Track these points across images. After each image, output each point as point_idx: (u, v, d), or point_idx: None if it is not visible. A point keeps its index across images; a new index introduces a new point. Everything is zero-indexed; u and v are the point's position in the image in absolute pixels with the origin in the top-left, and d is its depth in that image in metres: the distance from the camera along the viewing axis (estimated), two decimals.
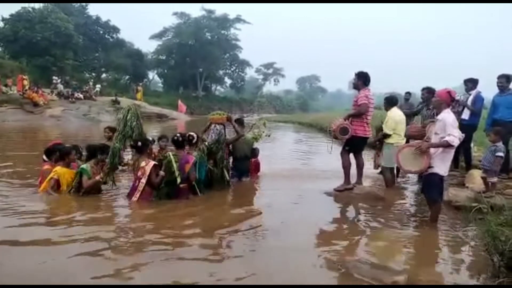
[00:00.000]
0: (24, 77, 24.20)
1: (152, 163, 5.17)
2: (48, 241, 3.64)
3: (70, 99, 24.95)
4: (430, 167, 4.35)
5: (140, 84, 37.77)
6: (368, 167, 6.69)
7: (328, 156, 6.39)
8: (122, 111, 5.71)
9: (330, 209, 5.25)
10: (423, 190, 4.68)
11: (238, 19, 53.11)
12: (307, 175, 7.74)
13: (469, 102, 6.86)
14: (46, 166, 5.52)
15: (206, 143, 5.96)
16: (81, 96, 25.84)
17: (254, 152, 7.15)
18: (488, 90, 7.16)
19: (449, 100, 4.41)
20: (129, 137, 5.43)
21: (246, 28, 54.92)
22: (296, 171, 8.10)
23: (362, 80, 5.87)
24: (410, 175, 7.10)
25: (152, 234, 3.93)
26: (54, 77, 27.90)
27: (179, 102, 35.39)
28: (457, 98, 6.07)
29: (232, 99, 58.38)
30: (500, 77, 6.56)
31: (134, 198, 5.09)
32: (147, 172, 5.07)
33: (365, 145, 6.14)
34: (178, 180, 5.26)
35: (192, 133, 5.91)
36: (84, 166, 5.30)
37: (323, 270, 3.27)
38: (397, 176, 7.23)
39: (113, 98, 27.48)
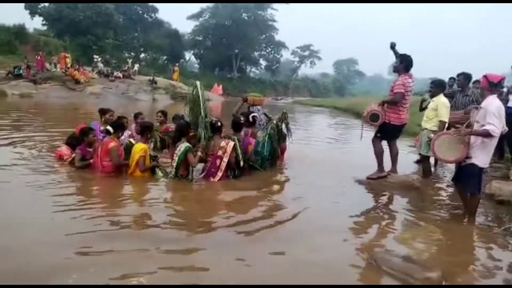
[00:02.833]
0: (67, 55, 25.19)
1: (232, 143, 5.32)
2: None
3: (109, 78, 25.70)
4: (468, 157, 4.05)
5: (177, 64, 38.21)
6: (403, 154, 6.35)
7: (361, 143, 6.14)
8: (194, 87, 5.67)
9: (362, 198, 5.06)
10: (457, 180, 4.36)
11: None
12: (339, 161, 7.53)
13: None
14: (113, 143, 5.16)
15: (275, 122, 6.11)
16: (120, 75, 26.53)
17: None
18: None
19: (488, 86, 3.99)
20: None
21: (283, 9, 53.96)
22: (328, 157, 7.90)
23: (405, 64, 5.49)
24: (449, 165, 6.73)
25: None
26: (95, 56, 28.81)
27: (215, 85, 35.60)
28: (504, 85, 5.60)
29: (267, 81, 58.09)
30: None
31: (217, 178, 5.25)
32: (229, 151, 5.23)
33: (400, 133, 5.82)
34: (241, 163, 5.45)
35: (251, 114, 6.29)
36: (187, 144, 5.15)
37: (352, 261, 3.14)
38: (435, 164, 6.89)
39: (150, 77, 28.04)
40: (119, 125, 5.47)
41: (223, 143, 5.27)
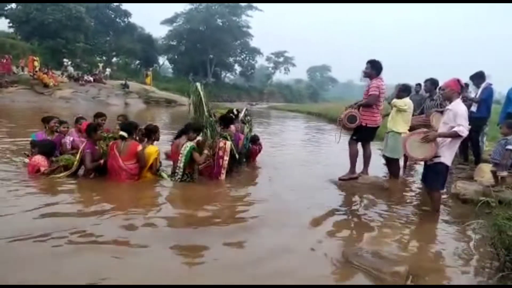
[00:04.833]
0: (34, 58, 24.40)
1: (229, 142, 5.59)
2: None
3: (80, 82, 25.10)
4: (436, 156, 4.23)
5: (150, 69, 37.72)
6: (374, 157, 6.52)
7: (334, 146, 6.27)
8: (195, 89, 5.70)
9: (333, 198, 5.15)
10: (425, 178, 4.57)
11: (250, 6, 52.54)
12: (313, 163, 7.65)
13: (478, 95, 6.70)
14: (140, 146, 5.12)
15: (249, 117, 7.02)
16: (91, 79, 25.99)
17: (254, 139, 7.13)
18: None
19: (459, 88, 4.27)
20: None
21: (257, 16, 54.42)
22: (301, 160, 8.00)
23: (375, 69, 5.67)
24: (417, 166, 6.98)
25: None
26: (64, 60, 28.07)
27: None
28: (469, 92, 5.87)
29: (242, 87, 58.16)
30: None
31: (222, 176, 5.55)
32: (228, 150, 5.53)
33: (374, 135, 5.98)
34: (237, 156, 5.85)
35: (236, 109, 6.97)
36: (192, 144, 5.29)
37: (324, 257, 3.20)
38: (405, 167, 7.10)
39: (123, 82, 27.54)
40: (132, 126, 5.36)
41: (221, 144, 5.54)
